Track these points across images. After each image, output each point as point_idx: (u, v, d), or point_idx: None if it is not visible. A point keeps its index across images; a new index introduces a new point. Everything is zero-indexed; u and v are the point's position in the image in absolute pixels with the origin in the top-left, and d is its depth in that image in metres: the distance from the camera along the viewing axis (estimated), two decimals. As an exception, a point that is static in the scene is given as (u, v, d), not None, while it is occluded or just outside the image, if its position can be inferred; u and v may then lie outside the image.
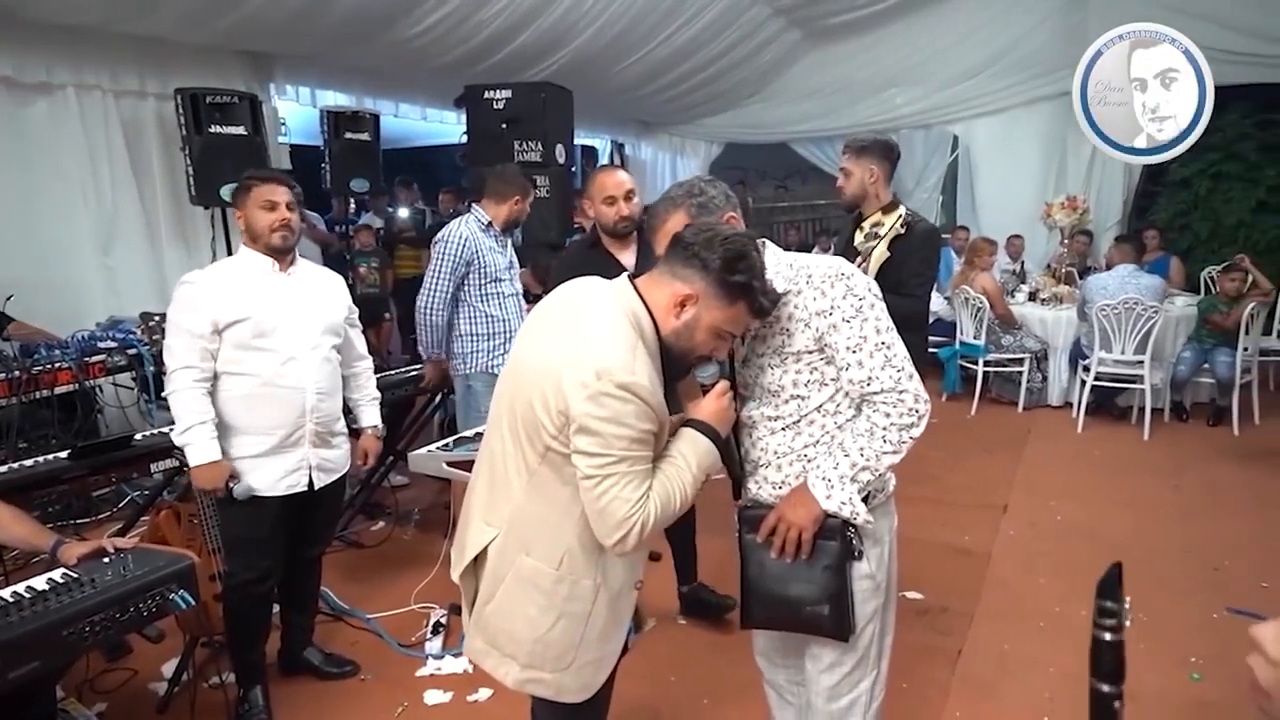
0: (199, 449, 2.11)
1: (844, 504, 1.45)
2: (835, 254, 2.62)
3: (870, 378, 1.42)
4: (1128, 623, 0.83)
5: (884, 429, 1.43)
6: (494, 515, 1.40)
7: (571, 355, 1.28)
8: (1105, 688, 0.84)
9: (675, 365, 1.39)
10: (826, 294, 1.43)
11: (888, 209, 2.60)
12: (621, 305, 1.34)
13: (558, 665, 1.39)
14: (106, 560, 1.82)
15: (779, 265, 1.47)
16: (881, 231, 2.56)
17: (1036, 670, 2.53)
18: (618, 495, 1.25)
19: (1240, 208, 6.90)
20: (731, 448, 1.54)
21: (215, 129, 3.99)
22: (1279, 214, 6.85)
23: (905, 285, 2.45)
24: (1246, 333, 4.94)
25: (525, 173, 3.40)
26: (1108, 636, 0.83)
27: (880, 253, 2.53)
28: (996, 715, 2.35)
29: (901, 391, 1.42)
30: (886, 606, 1.59)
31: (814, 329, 1.44)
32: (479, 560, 1.42)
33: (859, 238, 2.64)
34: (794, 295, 1.45)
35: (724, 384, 1.43)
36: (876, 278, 2.38)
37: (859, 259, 2.56)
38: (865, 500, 1.48)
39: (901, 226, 2.53)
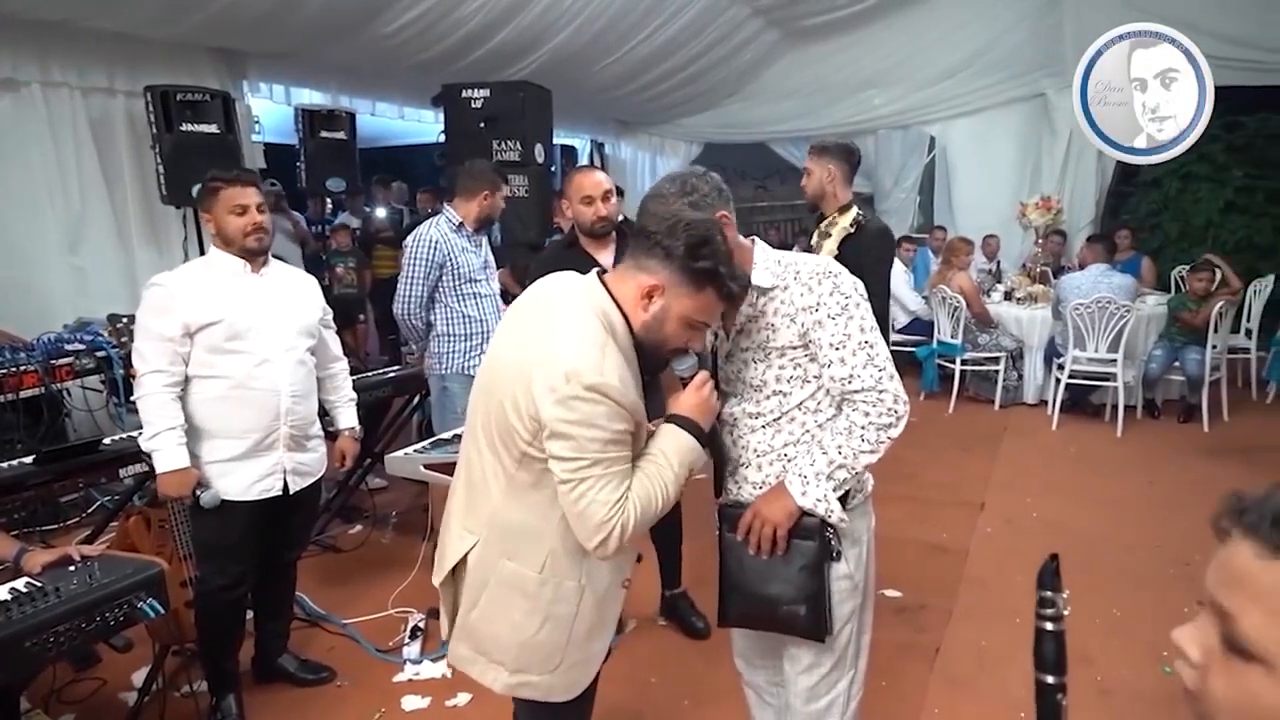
0: (166, 455, 2.07)
1: (819, 500, 1.45)
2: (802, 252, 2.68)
3: (851, 375, 1.43)
4: (1066, 612, 0.84)
5: (862, 428, 1.44)
6: (473, 521, 1.38)
7: (541, 357, 1.26)
8: (1049, 679, 0.84)
9: (650, 359, 1.37)
10: (813, 290, 1.44)
11: (843, 209, 2.68)
12: (591, 303, 1.32)
13: (545, 667, 1.38)
14: (72, 568, 1.78)
15: (768, 262, 1.49)
16: (833, 231, 2.66)
17: (1013, 666, 2.55)
18: (595, 498, 1.24)
19: (1208, 208, 7.04)
20: (718, 437, 1.52)
21: (186, 127, 3.93)
22: (1246, 214, 7.00)
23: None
24: (1215, 331, 5.04)
25: (501, 170, 3.34)
26: (1049, 626, 0.83)
27: (830, 249, 2.63)
28: (974, 711, 2.37)
29: (881, 391, 1.43)
30: (864, 606, 1.59)
31: (799, 324, 1.45)
32: (459, 568, 1.40)
33: (815, 237, 2.76)
34: (780, 291, 1.46)
35: (703, 375, 1.41)
36: None
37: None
38: (843, 500, 1.48)
39: (851, 226, 2.62)
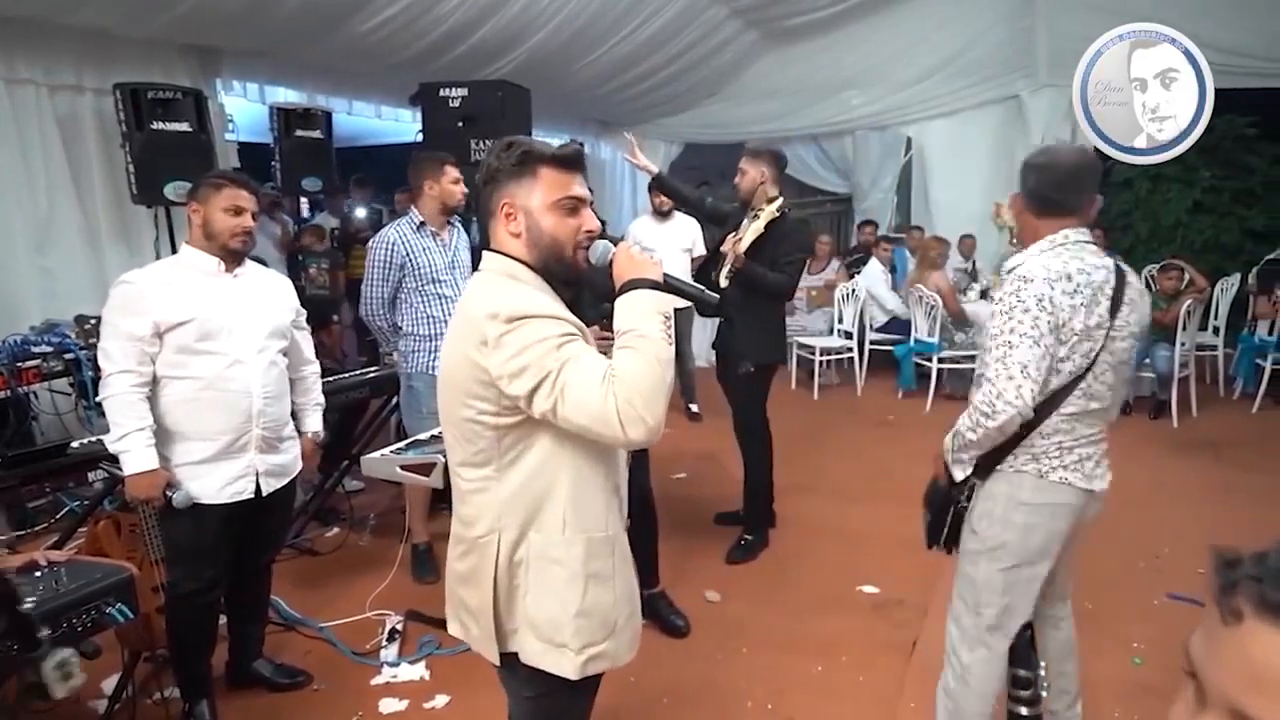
0: (135, 456, 2.04)
1: (946, 449, 1.87)
2: (718, 240, 3.36)
3: (987, 363, 1.69)
4: (1045, 691, 0.64)
5: (972, 407, 1.71)
6: (485, 525, 1.36)
7: (466, 331, 1.28)
8: None
9: (567, 271, 1.36)
10: (1005, 288, 1.69)
11: (770, 200, 3.19)
12: (490, 270, 1.37)
13: (606, 632, 1.37)
14: (38, 574, 1.74)
15: (1010, 259, 1.79)
16: (761, 214, 3.16)
17: (988, 660, 2.59)
18: (581, 396, 1.20)
19: (1177, 208, 7.16)
20: (675, 279, 1.41)
21: (158, 126, 3.86)
22: (1213, 214, 7.13)
23: (778, 264, 3.16)
24: (1184, 329, 5.13)
25: (439, 155, 3.17)
26: (1024, 711, 0.62)
27: (756, 228, 3.14)
28: (950, 705, 2.39)
29: (992, 384, 1.66)
30: (993, 562, 1.72)
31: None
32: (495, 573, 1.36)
33: (745, 220, 3.24)
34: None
35: (623, 245, 1.40)
36: (753, 251, 3.15)
37: (736, 234, 3.20)
38: (991, 466, 1.76)
39: (777, 212, 3.13)
